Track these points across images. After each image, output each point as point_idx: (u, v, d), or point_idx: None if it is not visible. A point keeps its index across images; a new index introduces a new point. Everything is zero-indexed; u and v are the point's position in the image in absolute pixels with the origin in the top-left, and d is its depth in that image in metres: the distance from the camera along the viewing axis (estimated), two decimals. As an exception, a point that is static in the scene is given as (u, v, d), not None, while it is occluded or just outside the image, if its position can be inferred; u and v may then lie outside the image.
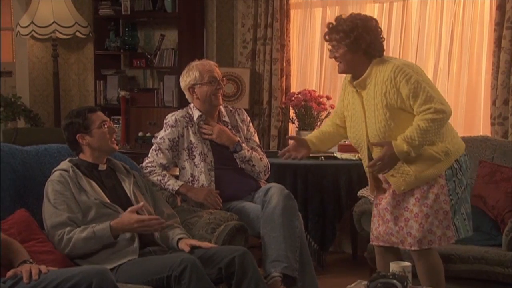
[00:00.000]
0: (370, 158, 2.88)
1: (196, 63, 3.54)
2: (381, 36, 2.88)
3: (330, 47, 2.90)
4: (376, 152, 2.84)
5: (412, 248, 2.86)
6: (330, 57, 2.93)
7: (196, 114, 3.50)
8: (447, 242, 2.85)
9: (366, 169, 2.96)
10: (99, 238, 2.72)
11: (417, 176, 2.80)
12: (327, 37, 2.90)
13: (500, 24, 4.07)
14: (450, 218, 2.83)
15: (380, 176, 2.92)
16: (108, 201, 2.87)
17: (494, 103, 4.12)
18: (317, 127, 4.71)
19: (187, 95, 3.56)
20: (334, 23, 2.88)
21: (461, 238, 2.91)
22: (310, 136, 3.11)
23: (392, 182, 2.86)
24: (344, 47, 2.83)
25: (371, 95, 2.82)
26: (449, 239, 2.84)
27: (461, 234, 2.89)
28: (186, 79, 3.51)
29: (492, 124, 4.13)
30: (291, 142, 3.10)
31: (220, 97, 3.50)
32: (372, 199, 3.69)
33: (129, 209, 2.78)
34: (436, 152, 2.80)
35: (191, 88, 3.50)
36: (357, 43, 2.81)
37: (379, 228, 2.98)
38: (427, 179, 2.81)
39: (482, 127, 4.29)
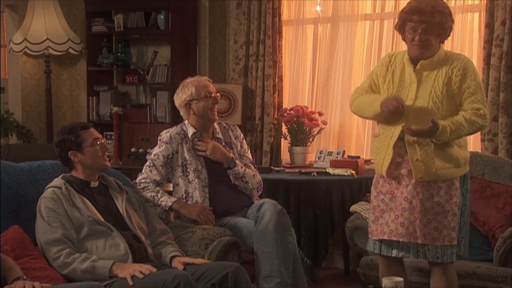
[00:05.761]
0: (399, 136, 2.91)
1: (190, 79, 3.56)
2: None
3: (419, 29, 2.87)
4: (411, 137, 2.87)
5: (419, 241, 2.89)
6: (414, 38, 2.88)
7: (190, 131, 3.51)
8: (450, 243, 2.89)
9: (387, 145, 2.95)
10: (97, 275, 2.69)
11: (437, 171, 2.88)
12: (424, 18, 2.85)
13: (489, 41, 4.12)
14: (457, 220, 2.90)
15: (405, 162, 2.92)
16: (101, 218, 2.87)
17: (484, 119, 4.16)
18: (309, 143, 4.74)
19: (183, 112, 3.57)
20: (424, 4, 2.86)
21: (460, 254, 2.97)
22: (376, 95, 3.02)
23: (413, 167, 2.89)
24: (437, 31, 2.87)
25: (432, 77, 2.90)
26: (451, 240, 2.89)
27: (461, 251, 2.96)
28: (182, 96, 3.53)
29: (482, 140, 4.17)
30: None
31: (216, 113, 3.53)
32: (364, 213, 3.72)
33: (139, 265, 2.71)
34: (462, 157, 2.92)
35: (188, 104, 3.52)
36: (446, 30, 2.92)
37: (389, 221, 2.96)
38: (443, 177, 2.89)
39: (472, 143, 4.31)
